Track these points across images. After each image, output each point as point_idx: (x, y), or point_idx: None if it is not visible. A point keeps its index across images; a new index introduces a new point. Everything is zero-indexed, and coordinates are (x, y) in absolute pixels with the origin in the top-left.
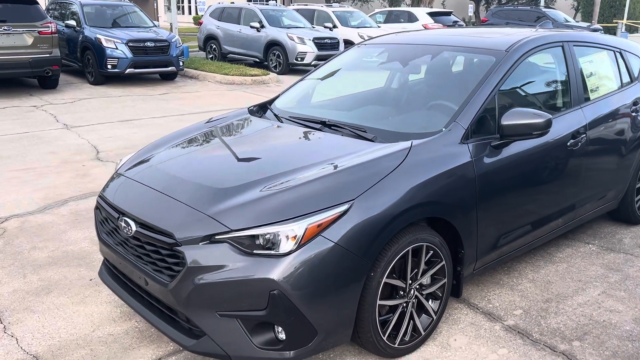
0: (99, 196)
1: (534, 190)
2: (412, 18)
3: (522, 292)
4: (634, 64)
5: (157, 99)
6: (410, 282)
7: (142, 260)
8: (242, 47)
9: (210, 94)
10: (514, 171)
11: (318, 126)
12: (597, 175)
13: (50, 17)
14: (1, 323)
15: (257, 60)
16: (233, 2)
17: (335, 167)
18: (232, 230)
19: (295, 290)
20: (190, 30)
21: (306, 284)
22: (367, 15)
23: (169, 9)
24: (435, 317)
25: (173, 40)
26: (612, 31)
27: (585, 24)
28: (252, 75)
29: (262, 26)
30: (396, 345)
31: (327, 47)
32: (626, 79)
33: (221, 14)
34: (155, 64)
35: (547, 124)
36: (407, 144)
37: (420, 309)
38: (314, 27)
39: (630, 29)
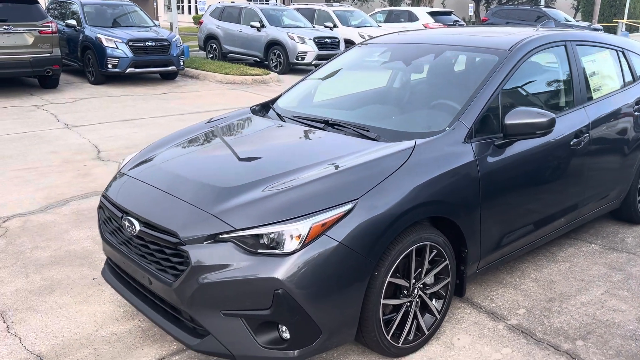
0: (102, 195)
1: (537, 189)
2: (412, 17)
3: (525, 291)
4: (637, 63)
5: (157, 98)
6: (414, 281)
7: (146, 259)
8: (242, 46)
9: (210, 93)
10: (517, 170)
11: (321, 125)
12: (599, 175)
13: (51, 16)
14: (4, 322)
15: (258, 59)
16: (233, 2)
17: (339, 166)
18: (236, 230)
19: (299, 289)
20: (191, 30)
21: (310, 283)
22: (367, 14)
23: (169, 8)
24: (438, 317)
25: (173, 39)
26: (612, 30)
27: (585, 24)
28: (253, 75)
29: (263, 26)
30: (400, 345)
31: (328, 47)
32: (629, 78)
33: (221, 14)
34: (155, 64)
35: (551, 123)
36: (410, 143)
37: (424, 308)
38: (314, 27)
39: (631, 29)
